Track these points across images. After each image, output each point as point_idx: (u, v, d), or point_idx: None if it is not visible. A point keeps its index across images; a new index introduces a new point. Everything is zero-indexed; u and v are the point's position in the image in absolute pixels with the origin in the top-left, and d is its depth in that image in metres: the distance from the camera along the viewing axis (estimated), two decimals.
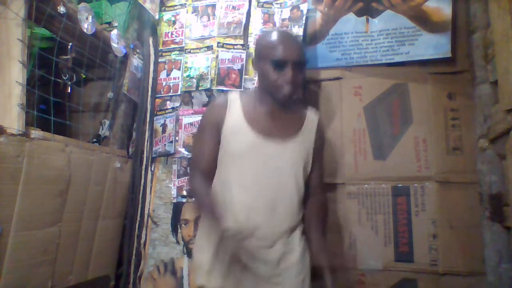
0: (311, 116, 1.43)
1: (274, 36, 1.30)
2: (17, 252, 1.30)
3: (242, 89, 1.90)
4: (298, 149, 1.33)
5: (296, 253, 1.31)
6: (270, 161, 1.28)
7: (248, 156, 1.28)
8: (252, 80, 1.93)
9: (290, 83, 1.25)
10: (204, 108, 1.95)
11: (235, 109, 1.33)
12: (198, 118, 1.93)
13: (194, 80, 2.04)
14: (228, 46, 2.01)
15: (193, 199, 1.42)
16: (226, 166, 1.31)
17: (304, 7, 1.90)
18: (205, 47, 2.06)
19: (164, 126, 2.05)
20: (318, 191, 1.45)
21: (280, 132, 1.31)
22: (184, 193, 1.95)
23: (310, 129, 1.39)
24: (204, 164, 1.35)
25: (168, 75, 2.10)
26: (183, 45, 2.11)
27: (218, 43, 2.02)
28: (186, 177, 1.91)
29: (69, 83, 1.71)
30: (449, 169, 1.67)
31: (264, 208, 1.27)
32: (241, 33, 2.00)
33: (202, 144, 1.36)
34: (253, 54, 1.41)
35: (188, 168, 1.87)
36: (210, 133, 1.33)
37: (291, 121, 1.36)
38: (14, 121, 1.32)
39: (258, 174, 1.27)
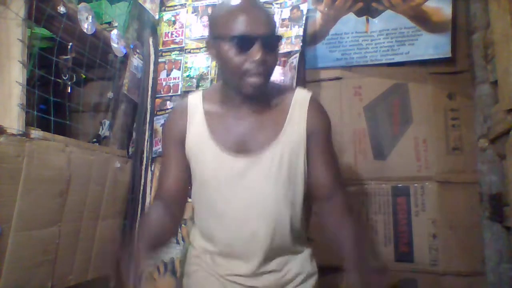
0: (299, 97, 1.05)
1: (233, 4, 0.95)
2: (17, 252, 1.30)
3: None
4: (282, 155, 0.98)
5: (303, 271, 1.07)
6: (247, 182, 0.98)
7: (217, 183, 0.99)
8: None
9: (260, 66, 0.90)
10: None
11: (197, 117, 1.03)
12: None
13: (194, 80, 2.04)
14: None
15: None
16: (197, 193, 1.06)
17: (304, 7, 1.90)
18: (205, 47, 2.06)
19: (162, 133, 2.05)
20: (332, 191, 1.03)
21: (255, 140, 0.99)
22: None
23: (299, 114, 1.02)
24: (166, 187, 1.05)
25: (168, 75, 2.10)
26: (183, 45, 2.11)
27: None
28: None
29: (69, 83, 1.70)
30: (449, 169, 1.67)
31: (243, 240, 1.00)
32: None
33: (164, 164, 1.09)
34: (206, 41, 1.07)
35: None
36: (174, 149, 1.05)
37: (269, 118, 1.01)
38: (14, 121, 1.32)
39: (232, 202, 0.99)
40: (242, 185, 0.98)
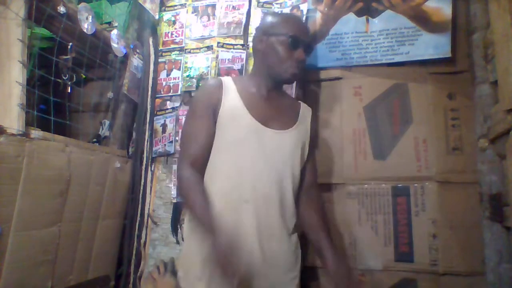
0: (305, 110, 1.36)
1: (288, 15, 1.28)
2: (17, 252, 1.30)
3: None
4: (295, 141, 1.24)
5: (288, 251, 1.24)
6: (269, 150, 1.18)
7: (247, 144, 1.16)
8: None
9: (301, 63, 1.21)
10: None
11: (231, 92, 1.20)
12: None
13: (194, 80, 2.04)
14: (228, 46, 2.01)
15: (184, 198, 1.21)
16: (220, 154, 1.18)
17: (304, 7, 1.90)
18: (205, 47, 2.06)
19: (164, 126, 2.05)
20: (314, 187, 1.37)
21: (278, 121, 1.22)
22: None
23: (305, 122, 1.32)
24: (198, 153, 1.16)
25: (168, 75, 2.10)
26: (183, 45, 2.11)
27: (218, 43, 2.02)
28: None
29: (69, 83, 1.71)
30: (449, 169, 1.67)
31: (261, 199, 1.17)
32: (241, 33, 2.00)
33: (196, 129, 1.18)
34: (257, 32, 1.29)
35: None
36: (206, 116, 1.17)
37: (287, 112, 1.28)
38: (14, 121, 1.32)
39: (256, 162, 1.16)
40: (266, 151, 1.17)
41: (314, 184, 1.35)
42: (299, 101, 1.39)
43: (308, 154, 1.33)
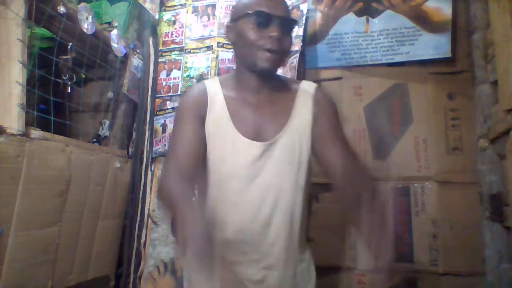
0: (305, 87, 1.09)
1: None
2: (17, 252, 1.30)
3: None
4: (292, 141, 1.03)
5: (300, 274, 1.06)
6: (260, 167, 1.00)
7: (233, 163, 1.01)
8: None
9: (276, 43, 0.96)
10: None
11: (218, 101, 1.04)
12: None
13: (194, 80, 2.04)
14: (228, 46, 2.01)
15: (165, 201, 0.99)
16: (209, 177, 1.04)
17: (304, 7, 1.90)
18: (205, 47, 2.06)
19: (164, 126, 2.05)
20: (347, 169, 1.03)
21: (268, 126, 1.02)
22: None
23: (304, 104, 1.06)
24: (182, 159, 1.00)
25: (168, 75, 2.10)
26: (183, 45, 2.11)
27: (218, 43, 2.02)
28: None
29: (69, 83, 1.71)
30: (449, 169, 1.67)
31: (257, 227, 1.00)
32: None
33: (182, 134, 1.03)
34: (227, 26, 1.09)
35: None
36: (194, 122, 1.03)
37: (280, 108, 1.05)
38: (14, 121, 1.32)
39: (248, 185, 1.00)
40: (258, 169, 1.00)
41: (348, 166, 1.03)
42: (299, 86, 1.10)
43: (324, 135, 1.05)
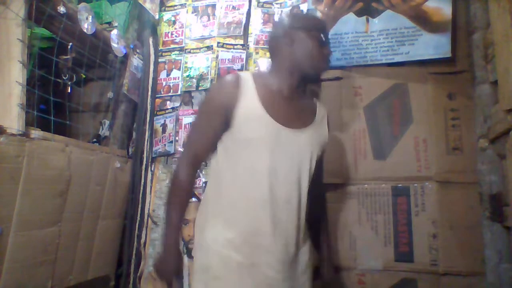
0: (321, 109, 1.32)
1: (317, 16, 1.33)
2: (17, 252, 1.30)
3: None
4: (313, 139, 1.21)
5: (306, 253, 1.22)
6: (287, 150, 1.15)
7: (264, 144, 1.12)
8: None
9: (328, 62, 1.24)
10: None
11: (250, 91, 1.14)
12: None
13: (194, 80, 2.04)
14: (228, 46, 2.01)
15: (168, 201, 1.20)
16: (236, 154, 1.14)
17: (304, 7, 1.90)
18: (205, 47, 2.06)
19: (164, 126, 2.05)
20: (322, 187, 1.40)
21: (297, 121, 1.18)
22: None
23: (322, 122, 1.29)
24: (200, 153, 1.17)
25: (168, 75, 2.10)
26: (183, 45, 2.11)
27: (218, 43, 2.02)
28: None
29: (69, 83, 1.71)
30: (449, 169, 1.67)
31: (280, 201, 1.13)
32: (241, 33, 2.00)
33: (202, 129, 1.16)
34: (279, 27, 1.24)
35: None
36: (217, 117, 1.13)
37: (305, 111, 1.25)
38: (14, 121, 1.32)
39: (275, 163, 1.13)
40: (284, 151, 1.14)
41: (322, 184, 1.38)
42: (316, 100, 1.35)
43: (322, 155, 1.31)
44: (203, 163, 1.23)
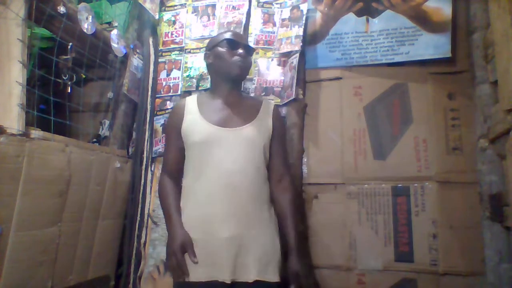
0: (266, 104, 1.48)
1: (225, 29, 1.59)
2: (17, 252, 1.30)
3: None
4: (254, 134, 1.37)
5: (262, 235, 1.31)
6: (228, 145, 1.33)
7: (206, 145, 1.34)
8: (252, 80, 1.94)
9: (242, 59, 1.39)
10: None
11: (192, 108, 1.42)
12: None
13: (194, 80, 2.04)
14: None
15: (160, 201, 1.45)
16: (188, 158, 1.40)
17: (304, 7, 1.90)
18: (205, 47, 2.06)
19: (164, 126, 2.05)
20: (285, 179, 1.43)
21: (235, 120, 1.38)
22: None
23: (266, 115, 1.43)
24: (170, 165, 1.44)
25: (168, 75, 2.10)
26: (183, 45, 2.11)
27: None
28: None
29: (69, 83, 1.71)
30: (449, 169, 1.67)
31: (229, 188, 1.30)
32: (241, 33, 2.00)
33: (168, 147, 1.46)
34: (205, 53, 1.50)
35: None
36: (174, 136, 1.42)
37: (246, 110, 1.43)
38: (14, 121, 1.32)
39: (216, 160, 1.32)
40: (225, 148, 1.33)
41: (284, 176, 1.43)
42: (262, 100, 1.53)
43: (275, 147, 1.43)
44: (179, 172, 1.43)
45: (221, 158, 1.32)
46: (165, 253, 1.38)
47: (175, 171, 1.43)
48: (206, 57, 1.48)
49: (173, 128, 1.43)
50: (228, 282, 1.23)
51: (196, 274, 1.25)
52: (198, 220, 1.31)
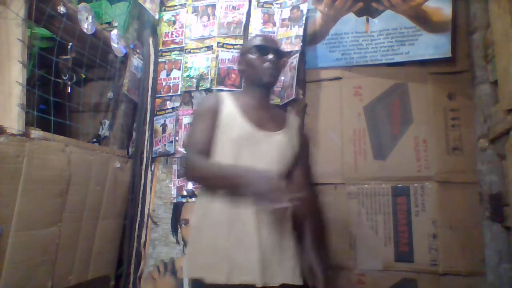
0: (292, 118, 1.50)
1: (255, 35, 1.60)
2: (17, 252, 1.30)
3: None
4: (285, 141, 1.38)
5: (286, 240, 1.30)
6: (262, 149, 1.34)
7: (244, 142, 1.33)
8: None
9: (272, 65, 1.38)
10: None
11: (228, 102, 1.39)
12: None
13: (194, 80, 2.04)
14: (228, 46, 2.01)
15: (201, 176, 1.33)
16: (221, 151, 1.34)
17: (304, 7, 1.90)
18: (205, 47, 2.06)
19: (164, 126, 2.05)
20: (308, 190, 1.42)
21: (269, 125, 1.39)
22: (185, 193, 1.95)
23: (293, 128, 1.45)
24: (202, 144, 1.34)
25: (168, 75, 2.10)
26: (183, 45, 2.11)
27: (218, 43, 2.02)
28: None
29: (69, 83, 1.71)
30: (449, 169, 1.67)
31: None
32: (241, 33, 2.00)
33: (201, 127, 1.36)
34: (237, 59, 1.51)
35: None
36: (209, 117, 1.36)
37: (276, 118, 1.44)
38: (14, 121, 1.32)
39: (252, 158, 1.31)
40: (260, 149, 1.33)
41: (305, 187, 1.40)
42: (286, 110, 1.56)
43: (300, 158, 1.42)
44: (208, 154, 1.34)
45: (254, 159, 1.29)
46: (255, 193, 1.15)
47: (205, 152, 1.33)
48: (238, 66, 1.49)
49: (209, 112, 1.36)
50: (260, 286, 1.18)
51: (227, 276, 1.19)
52: (228, 224, 1.25)
